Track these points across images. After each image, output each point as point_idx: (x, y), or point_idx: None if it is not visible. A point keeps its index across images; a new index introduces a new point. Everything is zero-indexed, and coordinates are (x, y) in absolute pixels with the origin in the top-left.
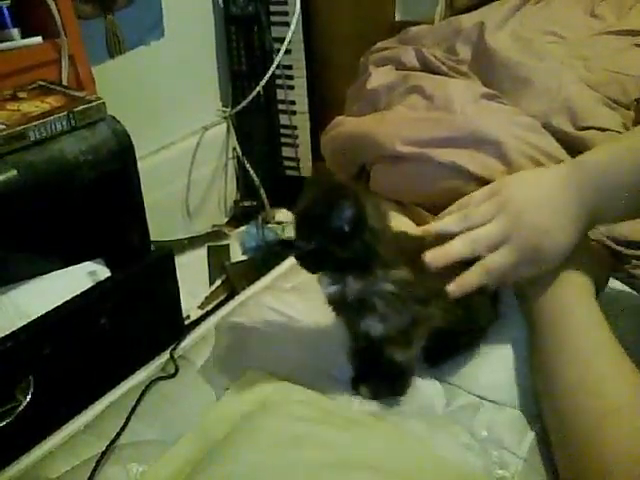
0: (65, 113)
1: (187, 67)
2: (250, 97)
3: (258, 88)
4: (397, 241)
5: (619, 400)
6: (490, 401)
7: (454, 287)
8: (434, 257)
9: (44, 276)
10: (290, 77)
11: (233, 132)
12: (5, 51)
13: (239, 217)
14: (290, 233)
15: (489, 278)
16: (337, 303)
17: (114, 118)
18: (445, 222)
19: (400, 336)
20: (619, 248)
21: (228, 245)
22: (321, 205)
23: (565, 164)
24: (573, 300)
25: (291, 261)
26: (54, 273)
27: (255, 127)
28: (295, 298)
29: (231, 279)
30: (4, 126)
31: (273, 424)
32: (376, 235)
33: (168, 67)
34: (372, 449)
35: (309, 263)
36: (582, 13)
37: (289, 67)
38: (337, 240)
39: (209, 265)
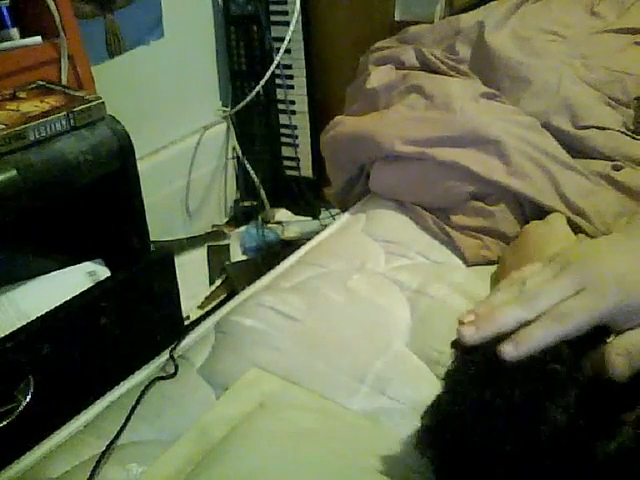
0: (65, 113)
1: (187, 67)
2: (250, 97)
3: (258, 88)
4: None
5: None
6: None
7: (510, 347)
8: (479, 329)
9: (44, 276)
10: (290, 77)
11: (233, 132)
12: (4, 51)
13: (239, 217)
14: (290, 233)
15: (563, 328)
16: None
17: (114, 118)
18: (509, 313)
19: None
20: None
21: (228, 245)
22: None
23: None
24: None
25: (291, 261)
26: (54, 273)
27: (255, 127)
28: (295, 298)
29: (231, 279)
30: (3, 126)
31: (273, 424)
32: None
33: (168, 67)
34: (371, 451)
35: None
36: (582, 11)
37: (289, 67)
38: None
39: (209, 265)
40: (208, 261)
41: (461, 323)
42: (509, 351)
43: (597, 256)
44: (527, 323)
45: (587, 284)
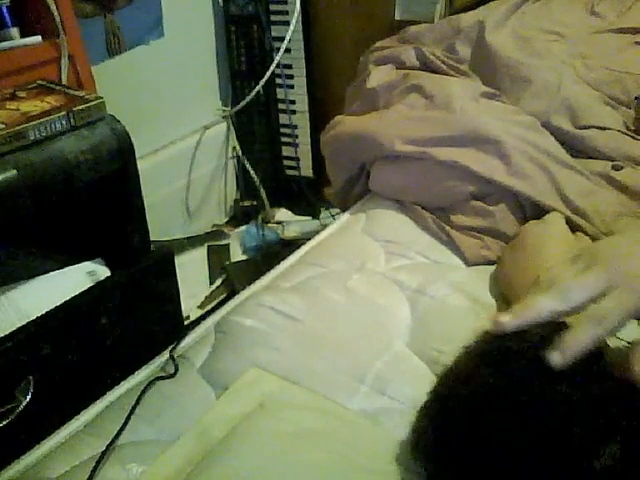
0: (65, 112)
1: (187, 67)
2: (250, 97)
3: (258, 87)
4: None
5: None
6: None
7: (557, 355)
8: (516, 317)
9: (44, 276)
10: (290, 76)
11: (233, 132)
12: (4, 51)
13: (239, 217)
14: (290, 233)
15: (603, 329)
16: None
17: (114, 117)
18: (542, 304)
19: None
20: None
21: (228, 245)
22: None
23: None
24: None
25: (291, 261)
26: (54, 273)
27: (255, 127)
28: (295, 298)
29: (231, 279)
30: (3, 125)
31: (273, 424)
32: None
33: (168, 67)
34: (371, 451)
35: None
36: (582, 11)
37: (289, 66)
38: None
39: (209, 265)
40: (208, 261)
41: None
42: (556, 359)
43: (620, 255)
44: (558, 316)
45: (617, 282)
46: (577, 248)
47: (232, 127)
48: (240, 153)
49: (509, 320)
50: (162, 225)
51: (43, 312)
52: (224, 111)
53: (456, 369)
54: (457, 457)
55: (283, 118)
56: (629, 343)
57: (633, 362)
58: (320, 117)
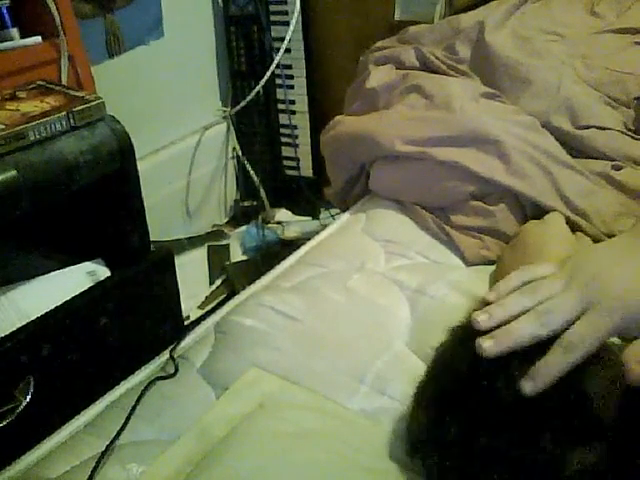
0: (65, 113)
1: (187, 67)
2: (250, 97)
3: (258, 88)
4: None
5: None
6: None
7: (529, 383)
8: (497, 343)
9: (44, 276)
10: (290, 77)
11: (233, 132)
12: (4, 51)
13: (239, 217)
14: (290, 233)
15: (574, 356)
16: None
17: (114, 118)
18: (523, 330)
19: None
20: None
21: (228, 245)
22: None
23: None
24: None
25: (291, 261)
26: (54, 273)
27: (255, 127)
28: (295, 298)
29: (231, 279)
30: (3, 126)
31: (273, 424)
32: None
33: (168, 67)
34: (371, 451)
35: None
36: (582, 11)
37: (289, 67)
38: None
39: (209, 265)
40: (208, 261)
41: (475, 317)
42: (529, 388)
43: (601, 271)
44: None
45: (592, 303)
46: (568, 255)
47: (232, 127)
48: (240, 153)
49: (490, 346)
50: (162, 225)
51: (43, 312)
52: (224, 111)
53: (441, 352)
54: (443, 439)
55: (283, 118)
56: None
57: (628, 360)
58: (320, 117)
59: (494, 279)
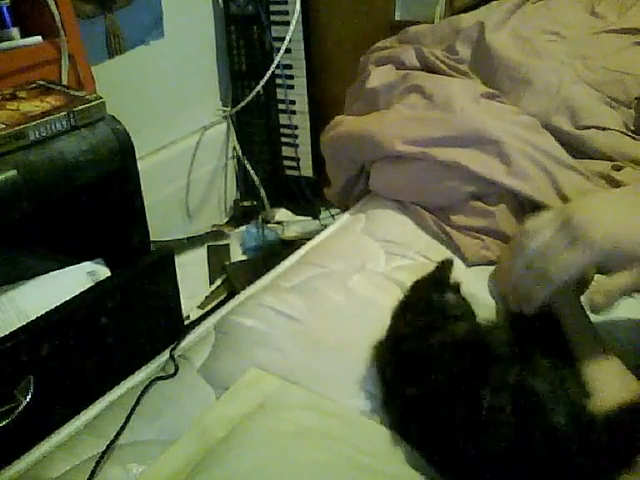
0: (65, 112)
1: (187, 67)
2: (250, 97)
3: (258, 88)
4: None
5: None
6: None
7: (524, 307)
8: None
9: (44, 276)
10: (290, 77)
11: (233, 132)
12: (4, 51)
13: (239, 217)
14: (290, 233)
15: (556, 283)
16: None
17: (114, 118)
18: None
19: None
20: None
21: (228, 245)
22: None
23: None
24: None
25: (291, 261)
26: (54, 273)
27: (255, 127)
28: (295, 298)
29: (231, 279)
30: (4, 125)
31: (273, 424)
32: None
33: (168, 67)
34: (372, 451)
35: None
36: (582, 12)
37: (289, 67)
38: None
39: (209, 265)
40: (208, 261)
41: None
42: (526, 308)
43: (591, 211)
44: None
45: (578, 237)
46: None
47: (232, 127)
48: (240, 153)
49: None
50: (162, 225)
51: (43, 312)
52: (224, 111)
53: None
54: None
55: (283, 118)
56: None
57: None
58: (320, 117)
59: (493, 279)
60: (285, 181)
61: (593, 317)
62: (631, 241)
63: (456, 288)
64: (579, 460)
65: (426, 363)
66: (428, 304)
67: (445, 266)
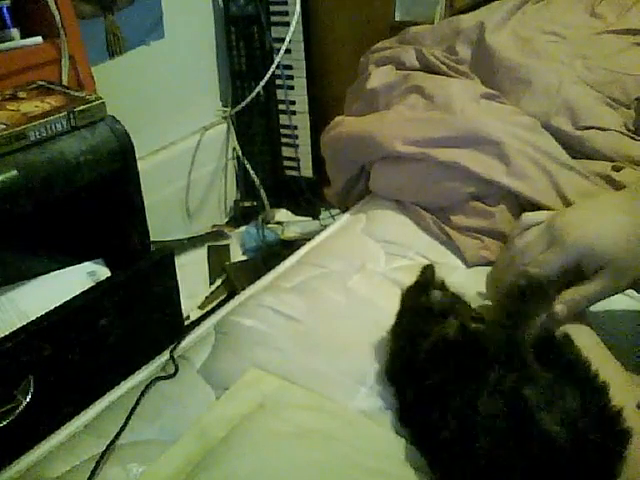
0: (65, 113)
1: (187, 67)
2: (250, 97)
3: (258, 88)
4: None
5: None
6: None
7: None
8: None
9: (44, 276)
10: (290, 77)
11: (233, 132)
12: (5, 51)
13: (239, 217)
14: (290, 233)
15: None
16: None
17: (114, 118)
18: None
19: None
20: None
21: (228, 245)
22: None
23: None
24: None
25: (291, 261)
26: (54, 273)
27: (255, 127)
28: (295, 298)
29: (231, 279)
30: (4, 126)
31: (273, 424)
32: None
33: (168, 67)
34: (372, 451)
35: None
36: (582, 12)
37: (289, 67)
38: None
39: (209, 265)
40: (208, 261)
41: None
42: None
43: (574, 214)
44: None
45: (556, 238)
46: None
47: (232, 128)
48: (240, 154)
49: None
50: (162, 225)
51: (43, 312)
52: (224, 112)
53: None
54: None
55: (283, 119)
56: None
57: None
58: (320, 118)
59: (490, 279)
60: (285, 181)
61: (593, 317)
62: (603, 243)
63: (440, 284)
64: (573, 468)
65: (418, 366)
66: (415, 308)
67: (427, 271)
